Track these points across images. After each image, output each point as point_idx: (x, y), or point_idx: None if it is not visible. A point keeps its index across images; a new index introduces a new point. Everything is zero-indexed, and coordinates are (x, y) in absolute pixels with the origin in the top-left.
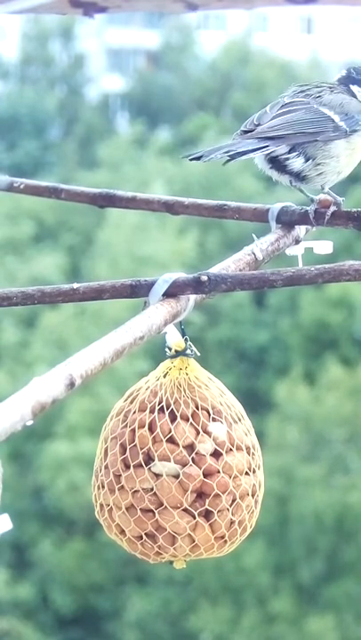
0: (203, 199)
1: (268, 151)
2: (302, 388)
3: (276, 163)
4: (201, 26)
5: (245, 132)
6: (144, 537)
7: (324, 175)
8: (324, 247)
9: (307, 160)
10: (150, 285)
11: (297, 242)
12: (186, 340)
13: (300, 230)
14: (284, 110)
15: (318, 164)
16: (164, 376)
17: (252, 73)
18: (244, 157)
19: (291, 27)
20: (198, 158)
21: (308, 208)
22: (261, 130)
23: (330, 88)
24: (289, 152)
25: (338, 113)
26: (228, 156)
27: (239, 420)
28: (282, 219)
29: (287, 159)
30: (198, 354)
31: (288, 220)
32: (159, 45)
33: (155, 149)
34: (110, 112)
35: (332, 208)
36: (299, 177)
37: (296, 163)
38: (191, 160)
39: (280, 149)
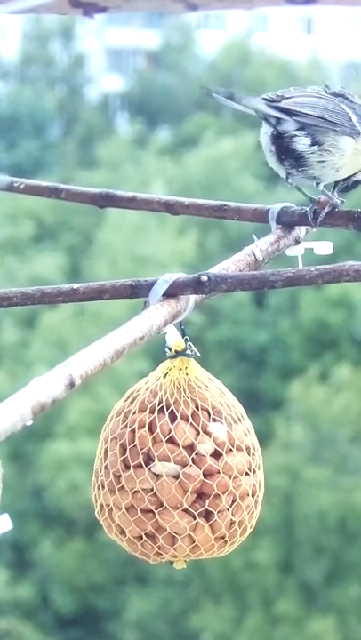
0: (203, 199)
1: (281, 116)
2: (317, 388)
3: (280, 140)
4: (201, 26)
5: (266, 99)
6: (144, 537)
7: (324, 165)
8: (325, 248)
9: (313, 144)
10: (150, 285)
11: (297, 242)
12: (186, 340)
13: (301, 231)
14: (310, 94)
15: (323, 152)
16: (164, 376)
17: (252, 73)
18: (253, 108)
19: (291, 27)
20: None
21: (307, 209)
22: (289, 102)
23: (350, 94)
24: (298, 130)
25: (356, 114)
26: (242, 104)
27: (239, 420)
28: (282, 219)
29: (294, 136)
30: (198, 354)
31: (288, 221)
32: (159, 45)
33: (154, 149)
34: (110, 112)
35: (327, 208)
36: (298, 161)
37: (302, 143)
38: (207, 94)
39: (289, 125)
